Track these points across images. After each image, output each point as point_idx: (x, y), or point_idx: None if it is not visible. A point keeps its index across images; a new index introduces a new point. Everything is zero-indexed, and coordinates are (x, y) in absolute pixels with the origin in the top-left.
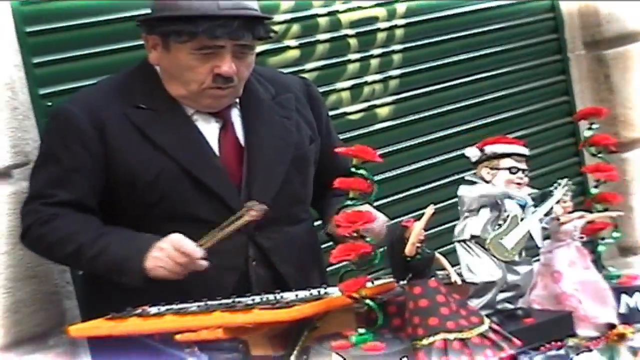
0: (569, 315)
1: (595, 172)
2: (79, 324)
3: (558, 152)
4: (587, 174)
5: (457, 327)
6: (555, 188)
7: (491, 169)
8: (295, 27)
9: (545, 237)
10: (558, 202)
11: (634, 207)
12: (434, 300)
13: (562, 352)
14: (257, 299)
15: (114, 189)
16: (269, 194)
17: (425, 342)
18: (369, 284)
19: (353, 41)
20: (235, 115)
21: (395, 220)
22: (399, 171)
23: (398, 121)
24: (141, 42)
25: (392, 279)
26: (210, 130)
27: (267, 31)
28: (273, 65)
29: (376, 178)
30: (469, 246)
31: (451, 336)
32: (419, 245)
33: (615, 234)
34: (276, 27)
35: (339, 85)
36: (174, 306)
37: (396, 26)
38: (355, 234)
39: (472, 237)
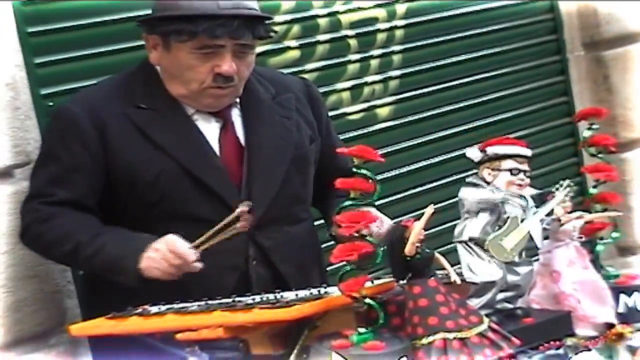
0: (568, 315)
1: (594, 173)
2: (79, 323)
3: (557, 153)
4: (586, 175)
5: (456, 326)
6: (557, 189)
7: (492, 170)
8: (296, 28)
9: (544, 237)
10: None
11: (633, 207)
12: (433, 300)
13: (560, 351)
14: (258, 298)
15: (114, 189)
16: (269, 194)
17: (424, 341)
18: (368, 284)
19: (353, 42)
20: (236, 115)
21: (395, 220)
22: (398, 171)
23: (398, 121)
24: (142, 43)
25: (391, 279)
26: (210, 130)
27: (267, 31)
28: (273, 66)
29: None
30: (469, 246)
31: (450, 335)
32: (418, 244)
33: (614, 234)
34: (276, 28)
35: (339, 85)
36: (175, 305)
37: (396, 27)
38: (357, 234)
39: (471, 239)
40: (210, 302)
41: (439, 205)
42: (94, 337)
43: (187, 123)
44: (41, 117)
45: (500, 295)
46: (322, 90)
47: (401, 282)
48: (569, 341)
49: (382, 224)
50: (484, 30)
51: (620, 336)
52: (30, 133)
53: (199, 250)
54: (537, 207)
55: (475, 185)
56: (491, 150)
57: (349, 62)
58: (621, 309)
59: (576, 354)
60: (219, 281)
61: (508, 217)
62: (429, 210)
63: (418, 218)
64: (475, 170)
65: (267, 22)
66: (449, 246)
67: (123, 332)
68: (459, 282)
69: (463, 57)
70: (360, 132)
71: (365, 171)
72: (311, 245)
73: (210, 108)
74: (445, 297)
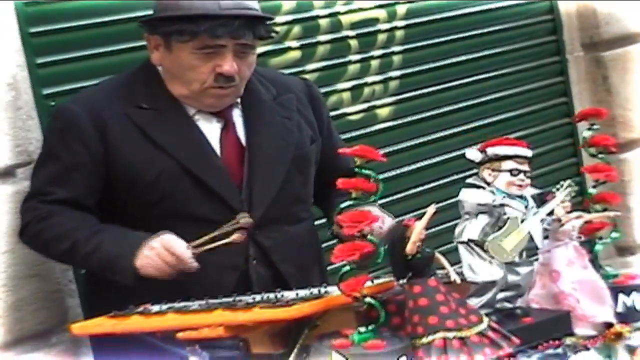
0: (567, 315)
1: (593, 173)
2: (81, 322)
3: (556, 153)
4: (585, 175)
5: (456, 325)
6: (557, 189)
7: (493, 170)
8: (297, 29)
9: (545, 237)
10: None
11: (632, 207)
12: (433, 299)
13: (559, 350)
14: (258, 297)
15: (114, 189)
16: (270, 194)
17: (424, 340)
18: (368, 283)
19: (354, 42)
20: (237, 115)
21: (396, 220)
22: (398, 171)
23: (398, 122)
24: (143, 43)
25: (391, 278)
26: (211, 130)
27: (268, 31)
28: (274, 66)
29: None
30: (470, 247)
31: (450, 335)
32: (419, 244)
33: (614, 234)
34: (277, 28)
35: (340, 86)
36: (176, 304)
37: (396, 28)
38: (358, 234)
39: (470, 240)
40: (211, 301)
41: (439, 205)
42: (95, 336)
43: (188, 123)
44: (43, 117)
45: (501, 295)
46: (322, 90)
47: (401, 281)
48: (568, 340)
49: (384, 222)
50: (484, 31)
51: (619, 335)
52: (32, 133)
53: (195, 251)
54: (537, 207)
55: (475, 186)
56: (491, 151)
57: (350, 62)
58: (620, 309)
59: (575, 353)
60: (219, 280)
61: (508, 218)
62: (431, 209)
63: (419, 217)
64: (476, 171)
65: (268, 22)
66: (448, 246)
67: (124, 331)
68: (458, 281)
69: (463, 57)
70: (360, 132)
71: (368, 171)
72: (311, 245)
73: (211, 108)
74: (445, 297)
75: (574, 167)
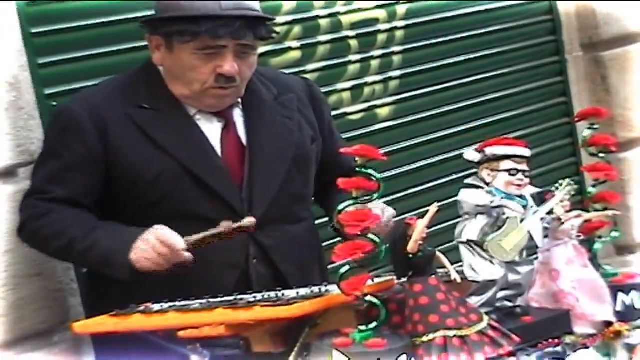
0: (567, 314)
1: (593, 172)
2: (83, 321)
3: (556, 152)
4: (584, 174)
5: (456, 324)
6: (557, 188)
7: (492, 170)
8: (297, 29)
9: (544, 236)
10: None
11: (631, 207)
12: (434, 298)
13: (559, 349)
14: (259, 296)
15: (115, 188)
16: (270, 194)
17: (425, 339)
18: (369, 282)
19: (354, 42)
20: (238, 115)
21: (396, 220)
22: (398, 171)
23: (398, 121)
24: (145, 43)
25: (391, 277)
26: (212, 130)
27: (268, 31)
28: (275, 66)
29: None
30: (471, 247)
31: (451, 333)
32: (421, 242)
33: (614, 234)
34: (278, 29)
35: (340, 85)
36: (177, 303)
37: (396, 28)
38: (361, 233)
39: (470, 241)
40: (211, 300)
41: (439, 204)
42: (97, 335)
43: (188, 123)
44: (44, 117)
45: (501, 294)
46: (323, 90)
47: (402, 280)
48: (568, 339)
49: (384, 214)
50: (484, 31)
51: (618, 334)
52: (34, 133)
53: (190, 246)
54: (537, 206)
55: (474, 186)
56: (489, 151)
57: (350, 62)
58: (619, 307)
59: (574, 351)
60: (220, 280)
61: (507, 218)
62: (433, 208)
63: (420, 217)
64: (475, 170)
65: (268, 23)
66: (448, 245)
67: (126, 330)
68: (459, 280)
69: (462, 57)
70: (360, 132)
71: (369, 170)
72: (312, 245)
73: (212, 108)
74: (446, 296)
75: (574, 167)
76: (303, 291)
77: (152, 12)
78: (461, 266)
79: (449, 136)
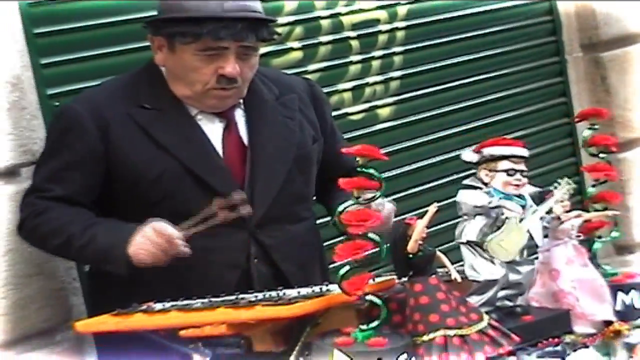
0: (567, 313)
1: (593, 172)
2: (85, 320)
3: (556, 153)
4: (584, 174)
5: (457, 323)
6: (556, 187)
7: (490, 171)
8: (298, 29)
9: (544, 236)
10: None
11: (630, 207)
12: (434, 298)
13: (559, 348)
14: (260, 295)
15: (116, 188)
16: (271, 193)
17: (425, 338)
18: (370, 281)
19: (355, 43)
20: (239, 115)
21: (396, 219)
22: (399, 171)
23: (399, 121)
24: (147, 44)
25: (392, 276)
26: (213, 130)
27: (270, 33)
28: (276, 67)
29: None
30: (471, 247)
31: (451, 332)
32: (421, 242)
33: (614, 233)
34: (279, 29)
35: (341, 86)
36: (179, 302)
37: (397, 28)
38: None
39: (470, 241)
40: (213, 299)
41: (439, 204)
42: (99, 334)
43: (190, 123)
44: (47, 117)
45: (502, 293)
46: (324, 90)
47: (403, 279)
48: (568, 338)
49: (384, 207)
50: (484, 31)
51: (618, 333)
52: (36, 133)
53: (187, 233)
54: (537, 205)
55: (472, 187)
56: (487, 151)
57: (351, 63)
58: (619, 307)
59: (574, 351)
60: (221, 279)
61: (506, 218)
62: (432, 208)
63: (420, 216)
64: (474, 170)
65: (270, 24)
66: (448, 244)
67: (128, 329)
68: (459, 280)
69: (463, 58)
70: (361, 132)
71: (370, 170)
72: (312, 244)
73: (213, 109)
74: (446, 295)
75: (573, 167)
76: (304, 290)
77: (154, 13)
78: (462, 266)
79: (449, 136)
